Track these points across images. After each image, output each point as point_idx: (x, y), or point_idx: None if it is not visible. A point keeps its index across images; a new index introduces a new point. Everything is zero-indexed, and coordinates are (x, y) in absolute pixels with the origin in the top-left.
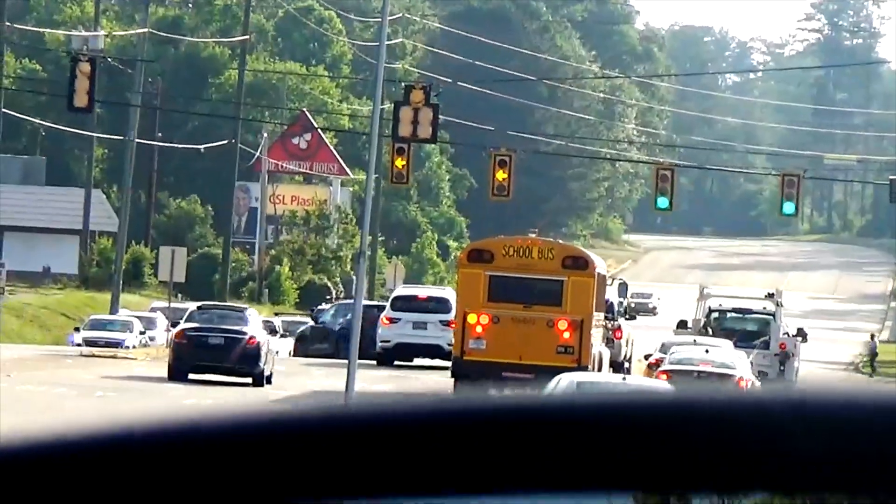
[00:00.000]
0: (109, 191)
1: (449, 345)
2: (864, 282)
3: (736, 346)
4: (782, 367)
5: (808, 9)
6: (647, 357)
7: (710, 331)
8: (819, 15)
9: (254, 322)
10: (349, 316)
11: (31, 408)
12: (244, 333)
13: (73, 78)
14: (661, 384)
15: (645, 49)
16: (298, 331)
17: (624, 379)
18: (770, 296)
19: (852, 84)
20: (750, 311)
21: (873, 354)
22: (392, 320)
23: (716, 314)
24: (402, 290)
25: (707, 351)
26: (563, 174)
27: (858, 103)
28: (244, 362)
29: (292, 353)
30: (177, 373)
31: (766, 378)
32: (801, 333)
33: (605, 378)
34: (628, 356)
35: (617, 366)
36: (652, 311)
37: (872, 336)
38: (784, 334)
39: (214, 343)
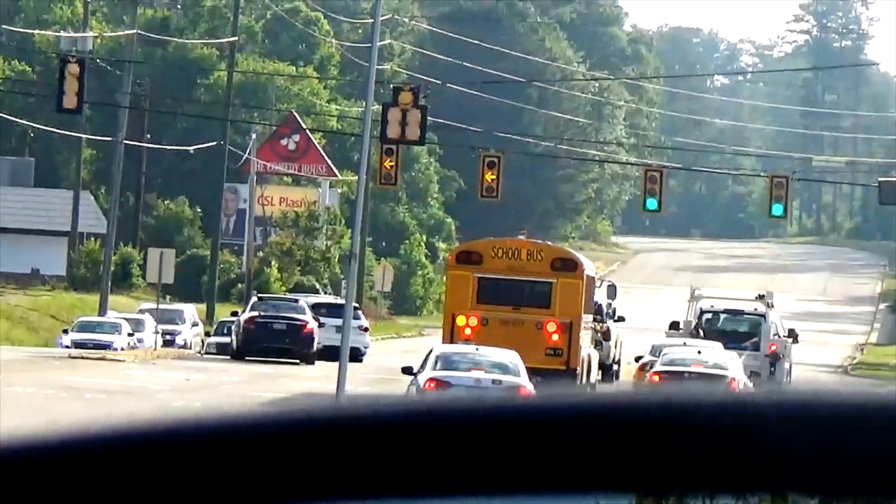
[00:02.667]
0: (98, 192)
1: (365, 347)
2: (853, 284)
3: (727, 347)
4: (773, 369)
5: (797, 10)
6: (637, 359)
7: (701, 332)
8: (808, 16)
9: (308, 311)
10: (261, 312)
11: (20, 410)
12: (303, 321)
13: (61, 79)
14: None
15: (633, 50)
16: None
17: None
18: (761, 297)
19: (841, 86)
20: (741, 313)
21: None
22: (320, 325)
23: (708, 315)
24: (321, 299)
25: (699, 352)
26: (552, 176)
27: (847, 105)
28: (302, 345)
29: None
30: (246, 353)
31: (758, 378)
32: (793, 335)
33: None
34: (617, 358)
35: (606, 368)
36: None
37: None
38: (775, 335)
39: (278, 328)
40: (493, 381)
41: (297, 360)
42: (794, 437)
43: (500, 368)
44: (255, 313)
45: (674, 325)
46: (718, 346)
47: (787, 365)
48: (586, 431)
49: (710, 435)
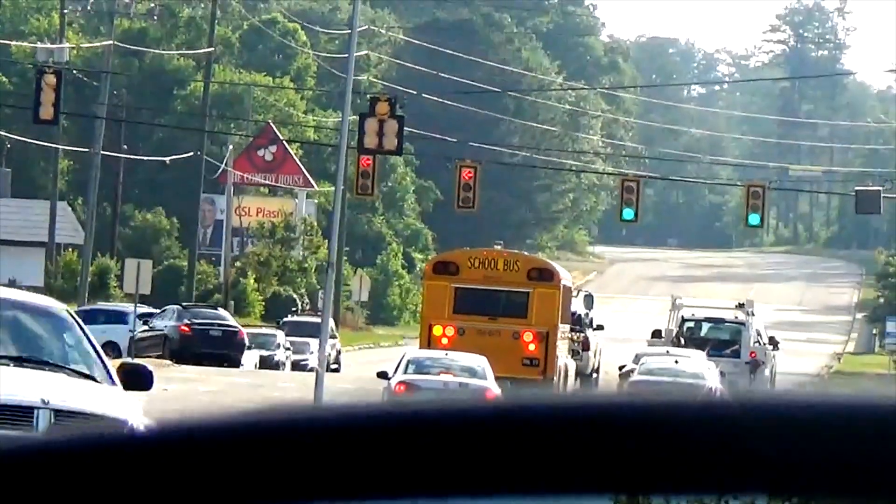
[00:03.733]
0: (75, 203)
1: None
2: (830, 293)
3: (709, 355)
4: (752, 375)
5: (774, 20)
6: (621, 368)
7: (682, 340)
8: (784, 26)
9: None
10: (174, 321)
11: None
12: (236, 328)
13: (38, 90)
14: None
15: (610, 60)
16: (136, 337)
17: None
18: (740, 306)
19: (818, 95)
20: (722, 321)
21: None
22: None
23: (689, 324)
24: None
25: (676, 361)
26: (529, 186)
27: (824, 115)
28: (235, 350)
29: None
30: (182, 358)
31: (737, 386)
32: (773, 342)
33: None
34: (596, 367)
35: (585, 378)
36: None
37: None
38: (755, 343)
39: (214, 335)
40: (461, 385)
41: (227, 364)
42: (769, 438)
43: (469, 372)
44: (186, 321)
45: (656, 334)
46: (700, 354)
47: (767, 372)
48: (548, 432)
49: (682, 435)
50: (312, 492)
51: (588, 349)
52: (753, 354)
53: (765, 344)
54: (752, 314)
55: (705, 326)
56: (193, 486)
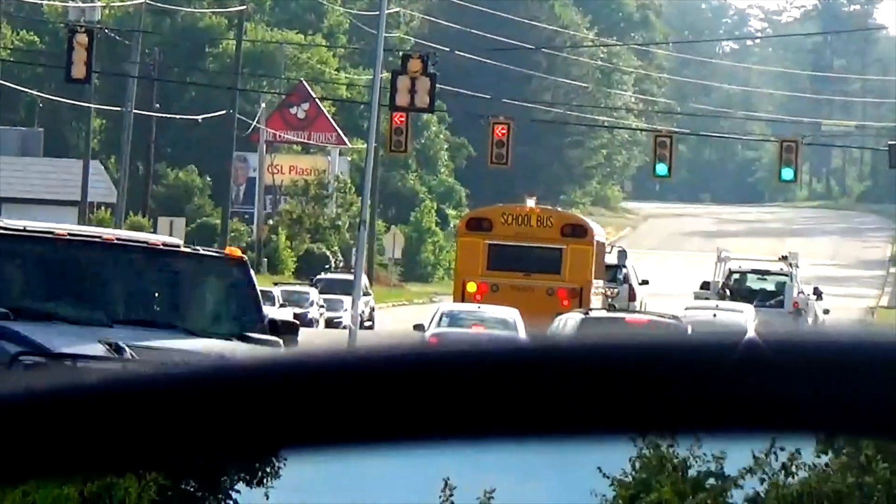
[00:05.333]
0: (108, 162)
1: None
2: (864, 248)
3: (756, 305)
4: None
5: None
6: None
7: (728, 292)
8: None
9: None
10: None
11: None
12: None
13: (70, 49)
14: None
15: (642, 16)
16: None
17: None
18: (784, 258)
19: (850, 50)
20: (768, 273)
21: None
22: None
23: (737, 276)
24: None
25: (715, 315)
26: (562, 142)
27: (856, 69)
28: None
29: None
30: None
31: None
32: (817, 292)
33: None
34: None
35: None
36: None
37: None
38: (799, 293)
39: None
40: (491, 337)
41: None
42: (789, 377)
43: (501, 324)
44: None
45: (704, 286)
46: (745, 306)
47: (811, 321)
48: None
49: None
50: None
51: (634, 300)
52: (797, 304)
53: (808, 294)
54: (797, 266)
55: (751, 278)
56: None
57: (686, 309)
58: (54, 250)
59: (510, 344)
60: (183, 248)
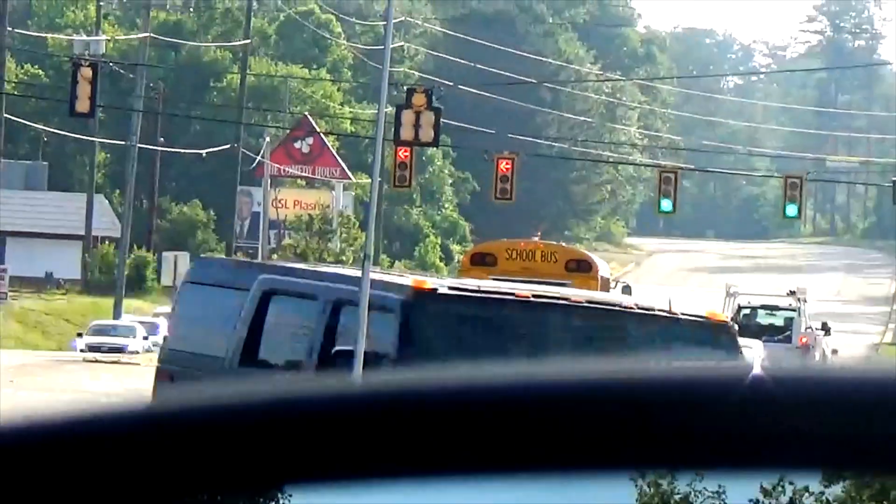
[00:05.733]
0: (112, 196)
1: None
2: (868, 284)
3: (764, 341)
4: (803, 359)
5: (810, 11)
6: None
7: (736, 326)
8: (821, 17)
9: None
10: None
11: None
12: None
13: (74, 83)
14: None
15: (647, 51)
16: None
17: None
18: (792, 293)
19: (854, 86)
20: (777, 308)
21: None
22: None
23: (746, 311)
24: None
25: None
26: (566, 177)
27: (861, 105)
28: None
29: None
30: None
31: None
32: (825, 327)
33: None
34: None
35: None
36: None
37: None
38: (807, 329)
39: None
40: None
41: None
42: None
43: None
44: None
45: None
46: (757, 343)
47: (818, 356)
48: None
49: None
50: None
51: None
52: (803, 340)
53: (816, 330)
54: (805, 301)
55: (761, 313)
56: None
57: None
58: (516, 311)
59: (513, 378)
60: (663, 311)
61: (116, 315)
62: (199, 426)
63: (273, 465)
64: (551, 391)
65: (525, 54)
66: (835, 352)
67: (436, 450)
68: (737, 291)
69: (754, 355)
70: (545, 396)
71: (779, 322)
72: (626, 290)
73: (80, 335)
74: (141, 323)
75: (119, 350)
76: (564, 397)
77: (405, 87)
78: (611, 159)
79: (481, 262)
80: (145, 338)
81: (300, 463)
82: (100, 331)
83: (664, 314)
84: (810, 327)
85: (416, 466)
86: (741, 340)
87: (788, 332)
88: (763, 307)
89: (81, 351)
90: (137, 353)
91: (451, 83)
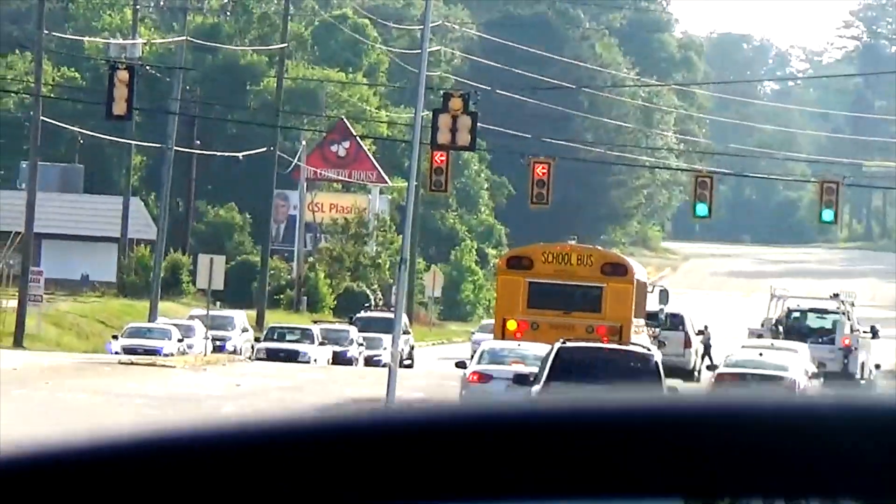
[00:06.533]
0: (148, 198)
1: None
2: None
3: (812, 342)
4: (846, 360)
5: (847, 16)
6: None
7: (781, 330)
8: (857, 22)
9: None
10: None
11: (69, 417)
12: None
13: (111, 86)
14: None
15: (683, 56)
16: None
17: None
18: (835, 296)
19: (891, 91)
20: (826, 311)
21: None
22: None
23: (796, 314)
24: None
25: (761, 354)
26: (603, 182)
27: None
28: None
29: None
30: None
31: (824, 369)
32: (873, 330)
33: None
34: (696, 366)
35: (687, 375)
36: None
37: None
38: (854, 331)
39: None
40: (530, 375)
41: None
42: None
43: (540, 362)
44: None
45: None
46: (803, 346)
47: (860, 358)
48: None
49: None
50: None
51: (690, 347)
52: (847, 341)
53: (864, 332)
54: (852, 304)
55: (810, 316)
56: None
57: (742, 347)
58: None
59: (564, 404)
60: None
61: (152, 318)
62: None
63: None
64: (606, 416)
65: (562, 58)
66: (878, 367)
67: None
68: (784, 294)
69: (800, 358)
70: (606, 422)
71: (827, 325)
72: (663, 294)
73: (115, 337)
74: (176, 326)
75: (154, 352)
76: (617, 424)
77: (441, 91)
78: (647, 164)
79: (518, 265)
80: (180, 340)
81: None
82: (135, 333)
83: None
84: (857, 330)
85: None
86: (786, 343)
87: (833, 335)
88: (812, 310)
89: (116, 353)
90: (171, 355)
91: (487, 87)
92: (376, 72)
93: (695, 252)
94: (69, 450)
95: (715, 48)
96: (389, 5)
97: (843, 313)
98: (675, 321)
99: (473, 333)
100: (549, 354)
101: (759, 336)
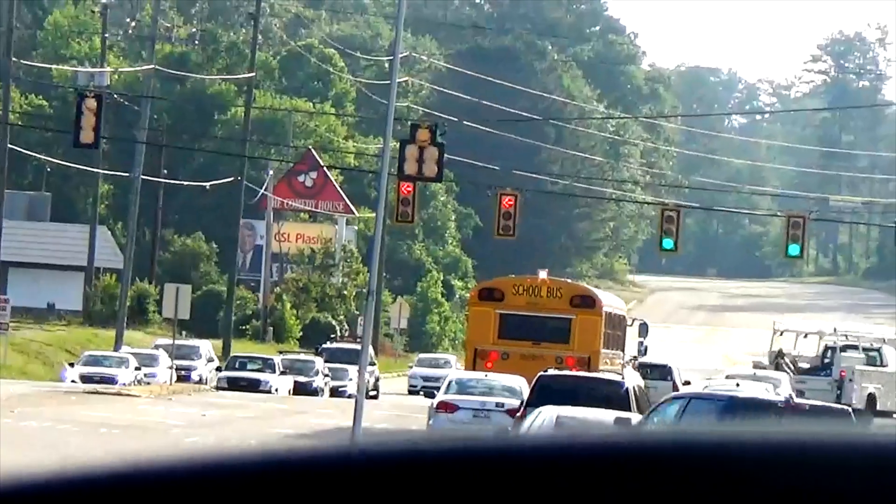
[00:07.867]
0: (114, 227)
1: None
2: (870, 324)
3: (806, 373)
4: (839, 391)
5: (815, 51)
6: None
7: (778, 362)
8: (825, 57)
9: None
10: None
11: (34, 445)
12: None
13: (79, 114)
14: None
15: (651, 89)
16: None
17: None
18: (834, 331)
19: (858, 126)
20: (853, 347)
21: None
22: None
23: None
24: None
25: (738, 384)
26: (569, 214)
27: (864, 145)
28: None
29: None
30: None
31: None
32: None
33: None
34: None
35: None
36: None
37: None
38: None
39: None
40: (497, 405)
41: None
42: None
43: (509, 391)
44: None
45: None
46: (785, 377)
47: (855, 389)
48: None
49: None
50: None
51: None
52: (843, 373)
53: (865, 366)
54: (847, 338)
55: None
56: None
57: (726, 377)
58: None
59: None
60: None
61: (117, 346)
62: None
63: None
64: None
65: (529, 90)
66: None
67: None
68: (781, 328)
69: (779, 389)
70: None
71: (876, 360)
72: (643, 327)
73: (71, 365)
74: (138, 355)
75: (110, 381)
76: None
77: (409, 122)
78: (614, 196)
79: (489, 296)
80: (137, 369)
81: None
82: (92, 361)
83: None
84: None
85: None
86: (768, 373)
87: (831, 367)
88: (852, 346)
89: (73, 382)
90: (128, 384)
91: (455, 118)
92: (344, 102)
93: (661, 285)
94: (42, 482)
95: (682, 81)
96: (357, 36)
97: (852, 347)
98: (664, 371)
99: (411, 367)
100: (533, 382)
101: (763, 367)
